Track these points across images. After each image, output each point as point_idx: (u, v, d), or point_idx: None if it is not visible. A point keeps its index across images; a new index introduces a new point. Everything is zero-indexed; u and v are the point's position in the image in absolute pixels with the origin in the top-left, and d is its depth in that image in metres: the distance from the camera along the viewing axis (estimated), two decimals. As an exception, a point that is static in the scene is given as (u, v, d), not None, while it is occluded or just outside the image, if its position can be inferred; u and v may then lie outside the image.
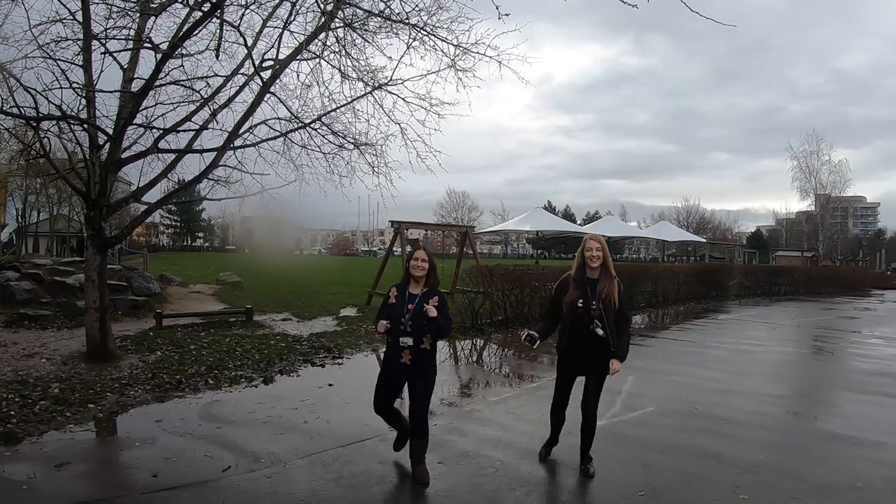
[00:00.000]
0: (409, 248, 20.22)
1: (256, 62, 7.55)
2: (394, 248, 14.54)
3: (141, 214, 7.82)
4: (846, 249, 50.09)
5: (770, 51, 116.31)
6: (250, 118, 7.49)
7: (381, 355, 4.74)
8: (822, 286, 27.21)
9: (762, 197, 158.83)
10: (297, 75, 8.01)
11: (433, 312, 4.15)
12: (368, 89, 7.90)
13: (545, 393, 5.97)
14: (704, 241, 37.09)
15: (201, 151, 7.89)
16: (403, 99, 7.95)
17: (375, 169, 8.28)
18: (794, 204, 73.84)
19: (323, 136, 7.99)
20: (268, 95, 7.55)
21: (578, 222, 63.04)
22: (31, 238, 30.82)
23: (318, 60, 7.85)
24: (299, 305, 14.24)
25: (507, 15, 4.96)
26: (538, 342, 4.47)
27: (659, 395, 6.75)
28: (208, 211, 66.98)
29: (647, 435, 5.30)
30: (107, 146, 7.66)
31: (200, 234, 76.93)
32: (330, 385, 7.01)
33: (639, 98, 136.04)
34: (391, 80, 7.82)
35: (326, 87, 7.94)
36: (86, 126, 7.45)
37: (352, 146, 8.13)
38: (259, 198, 8.59)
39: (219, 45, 7.01)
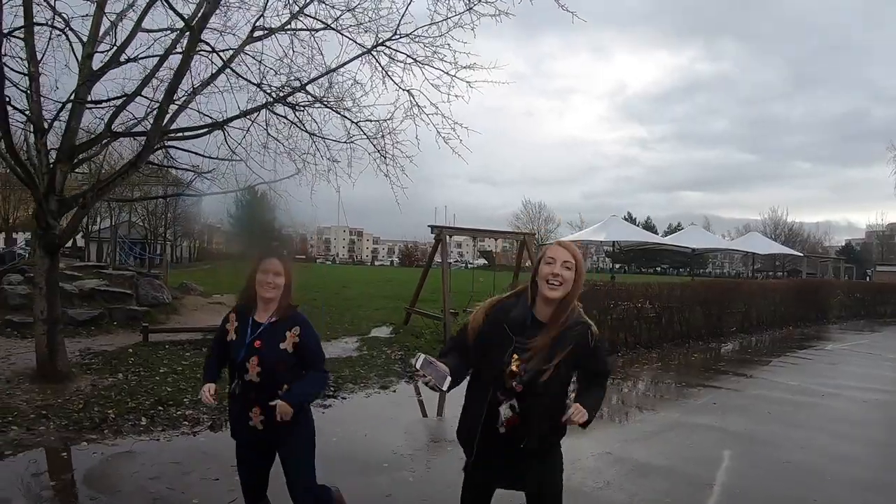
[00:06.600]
0: (482, 261, 18.24)
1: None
2: (435, 259, 12.66)
3: (78, 209, 6.39)
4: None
5: (846, 51, 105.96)
6: (196, 87, 5.93)
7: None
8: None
9: (843, 209, 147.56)
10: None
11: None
12: (368, 46, 6.09)
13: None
14: (801, 254, 32.73)
15: (162, 134, 6.36)
16: (415, 59, 6.08)
17: (381, 152, 6.46)
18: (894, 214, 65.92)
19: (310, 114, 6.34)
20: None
21: (660, 234, 58.38)
22: (95, 244, 31.09)
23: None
24: (327, 322, 12.41)
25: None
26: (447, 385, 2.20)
27: (775, 495, 4.27)
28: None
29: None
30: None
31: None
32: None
33: (714, 105, 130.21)
34: (396, 32, 5.99)
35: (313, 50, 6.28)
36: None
37: (352, 124, 6.36)
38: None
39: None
